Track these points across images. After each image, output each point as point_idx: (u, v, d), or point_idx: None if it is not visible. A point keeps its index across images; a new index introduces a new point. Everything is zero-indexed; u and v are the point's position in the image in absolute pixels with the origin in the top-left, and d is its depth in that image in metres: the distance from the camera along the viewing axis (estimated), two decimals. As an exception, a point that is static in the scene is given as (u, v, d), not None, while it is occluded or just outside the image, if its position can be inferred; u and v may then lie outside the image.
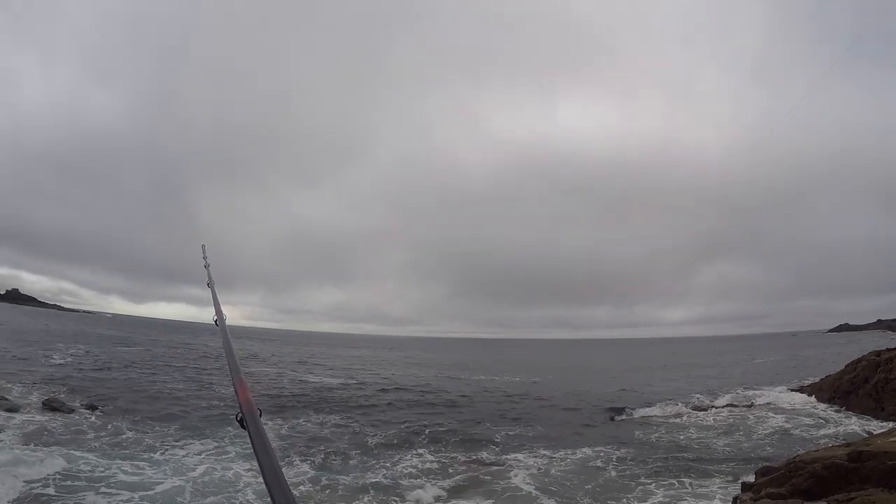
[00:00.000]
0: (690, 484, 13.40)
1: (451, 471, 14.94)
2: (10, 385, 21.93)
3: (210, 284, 4.56)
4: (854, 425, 19.63)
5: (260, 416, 2.00)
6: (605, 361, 75.34)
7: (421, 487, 13.12)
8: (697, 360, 69.33)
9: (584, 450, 17.24)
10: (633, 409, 25.17)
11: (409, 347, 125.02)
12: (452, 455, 16.49)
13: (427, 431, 19.72)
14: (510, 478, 14.22)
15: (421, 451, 16.90)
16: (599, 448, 17.43)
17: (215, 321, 3.51)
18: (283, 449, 16.09)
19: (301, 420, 20.97)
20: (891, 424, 18.17)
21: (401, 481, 13.71)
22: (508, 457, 16.43)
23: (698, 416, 23.29)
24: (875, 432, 17.25)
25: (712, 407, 25.31)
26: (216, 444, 15.77)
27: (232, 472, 13.11)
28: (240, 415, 2.02)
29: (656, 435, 19.64)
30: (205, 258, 5.47)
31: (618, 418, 23.66)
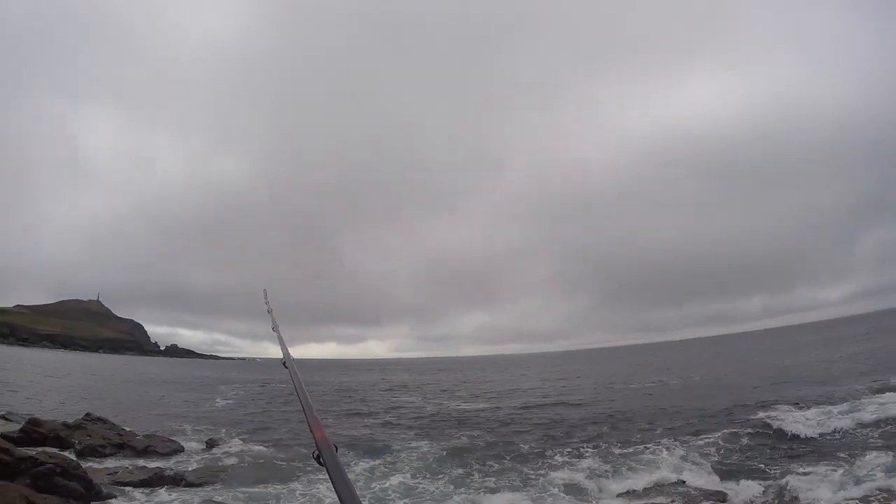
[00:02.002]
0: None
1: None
2: (182, 426, 23.08)
3: (275, 328, 4.72)
4: None
5: (336, 451, 2.15)
6: (759, 355, 67.96)
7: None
8: (863, 346, 60.97)
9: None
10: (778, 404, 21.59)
11: (556, 363, 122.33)
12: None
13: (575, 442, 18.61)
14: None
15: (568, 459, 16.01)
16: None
17: (283, 363, 3.59)
18: (427, 462, 16.30)
19: (446, 438, 20.49)
20: None
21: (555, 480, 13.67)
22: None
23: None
24: None
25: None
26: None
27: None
28: (316, 452, 2.18)
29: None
30: (267, 303, 5.66)
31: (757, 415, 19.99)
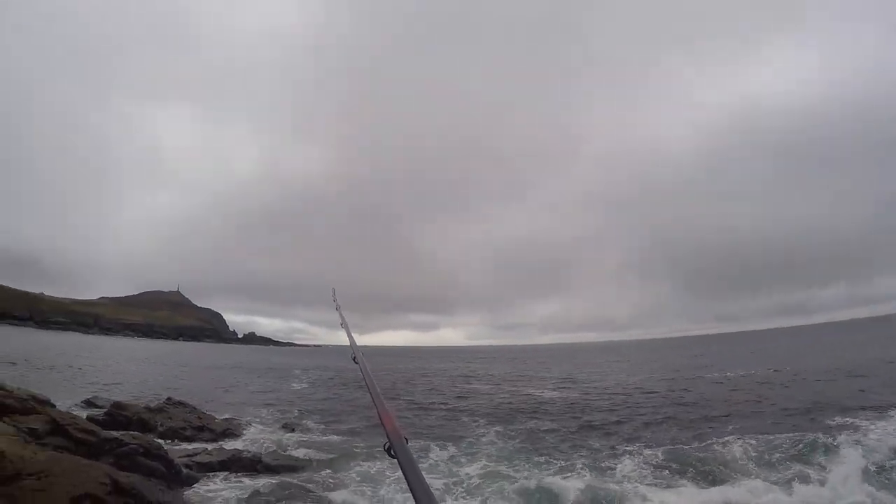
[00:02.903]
0: None
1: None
2: (259, 411, 23.68)
3: (344, 325, 4.84)
4: None
5: (407, 443, 2.18)
6: (834, 350, 63.39)
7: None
8: None
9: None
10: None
11: (632, 351, 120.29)
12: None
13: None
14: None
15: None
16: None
17: (353, 358, 3.58)
18: (500, 449, 16.30)
19: (519, 425, 20.30)
20: None
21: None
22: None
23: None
24: None
25: None
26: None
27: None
28: (388, 444, 2.21)
29: None
30: (335, 300, 5.78)
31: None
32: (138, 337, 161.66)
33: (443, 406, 26.19)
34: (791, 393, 25.54)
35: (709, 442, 15.75)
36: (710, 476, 12.57)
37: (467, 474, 13.34)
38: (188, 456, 13.44)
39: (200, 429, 17.72)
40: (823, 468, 12.36)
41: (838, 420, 17.36)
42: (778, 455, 13.64)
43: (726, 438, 15.81)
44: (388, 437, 2.24)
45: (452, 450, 16.01)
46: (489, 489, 12.08)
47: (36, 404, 11.33)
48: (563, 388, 35.60)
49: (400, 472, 2.00)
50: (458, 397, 30.39)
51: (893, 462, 12.24)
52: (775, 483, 11.54)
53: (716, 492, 11.35)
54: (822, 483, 11.39)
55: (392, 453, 2.17)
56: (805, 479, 11.67)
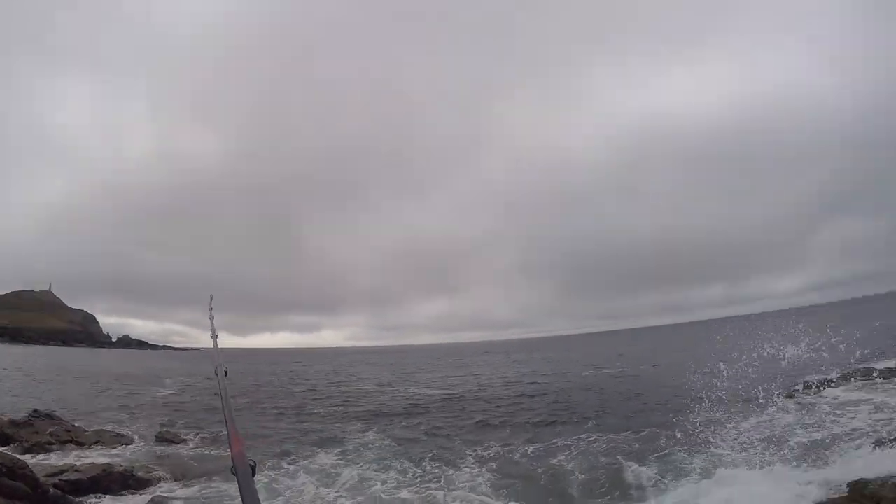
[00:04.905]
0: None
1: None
2: (128, 420, 23.10)
3: (213, 336, 4.68)
4: None
5: (254, 468, 2.27)
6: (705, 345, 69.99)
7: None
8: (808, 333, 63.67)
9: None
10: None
11: (515, 350, 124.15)
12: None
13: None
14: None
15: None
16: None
17: (216, 372, 3.54)
18: (378, 453, 16.57)
19: (398, 428, 21.11)
20: None
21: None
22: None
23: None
24: None
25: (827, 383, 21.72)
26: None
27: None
28: (233, 467, 2.24)
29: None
30: (210, 309, 5.55)
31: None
32: (5, 342, 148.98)
33: (320, 409, 26.49)
34: (659, 389, 28.50)
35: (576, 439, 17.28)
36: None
37: (341, 482, 13.42)
38: (55, 474, 12.98)
39: (69, 442, 17.25)
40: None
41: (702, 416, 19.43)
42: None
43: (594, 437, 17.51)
44: (233, 461, 2.27)
45: (327, 456, 16.18)
46: (360, 497, 12.25)
47: None
48: (445, 387, 36.97)
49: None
50: (336, 400, 30.82)
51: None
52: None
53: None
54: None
55: (236, 474, 2.22)
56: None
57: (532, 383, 36.53)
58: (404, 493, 12.39)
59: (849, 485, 9.33)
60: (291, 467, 14.93)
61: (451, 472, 14.25)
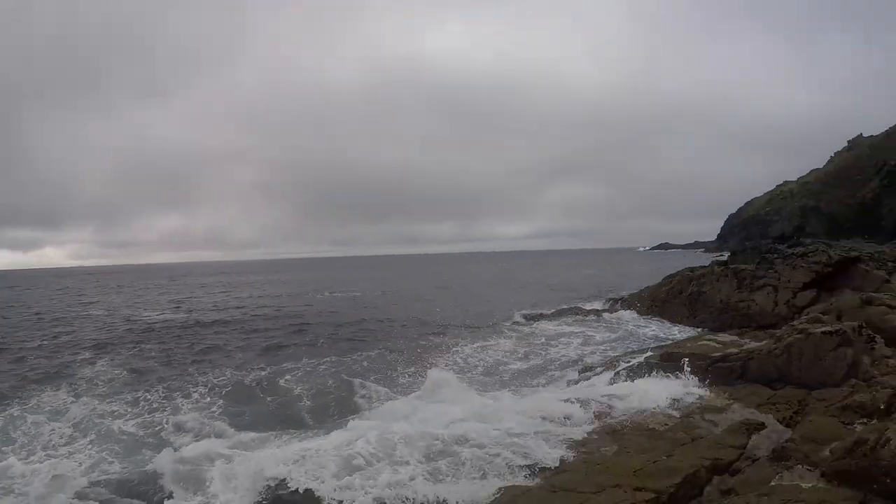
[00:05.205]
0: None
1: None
2: None
3: None
4: (668, 330, 22.00)
5: None
6: (437, 277, 78.00)
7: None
8: (528, 274, 74.33)
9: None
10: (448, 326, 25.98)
11: (247, 272, 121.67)
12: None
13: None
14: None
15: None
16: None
17: None
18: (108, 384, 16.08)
19: (127, 354, 20.60)
20: (700, 330, 20.87)
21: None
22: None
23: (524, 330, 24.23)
24: (685, 336, 19.78)
25: (542, 318, 26.72)
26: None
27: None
28: None
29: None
30: None
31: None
32: None
33: (43, 342, 23.97)
34: (390, 313, 31.13)
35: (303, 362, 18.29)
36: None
37: (69, 418, 12.66)
38: None
39: None
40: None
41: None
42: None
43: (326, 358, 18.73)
44: None
45: (53, 393, 14.99)
46: (93, 433, 11.75)
47: None
48: (179, 311, 36.10)
49: None
50: (62, 330, 28.00)
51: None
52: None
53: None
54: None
55: None
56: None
57: (268, 306, 37.29)
58: (131, 426, 12.26)
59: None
60: (11, 410, 13.46)
61: (181, 400, 14.31)
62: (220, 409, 13.59)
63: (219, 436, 11.37)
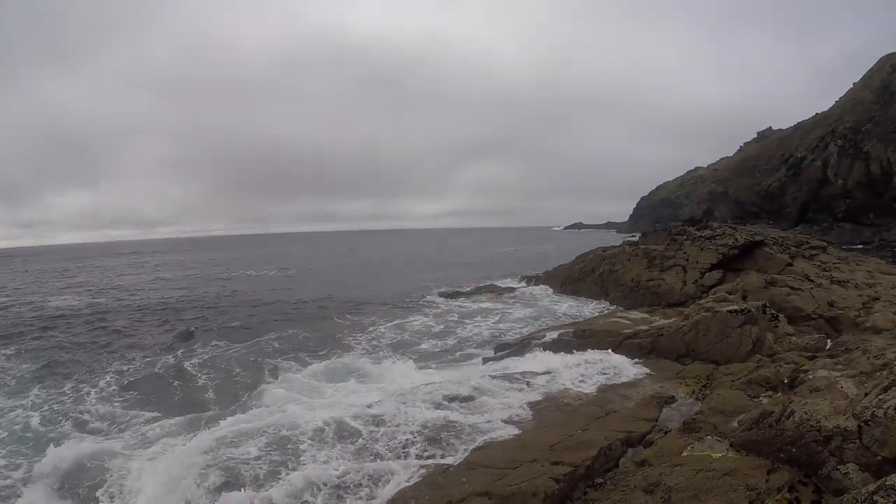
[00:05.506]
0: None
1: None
2: None
3: None
4: (581, 308, 22.50)
5: None
6: (354, 255, 77.61)
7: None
8: (445, 252, 74.88)
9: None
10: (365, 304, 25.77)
11: (160, 251, 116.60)
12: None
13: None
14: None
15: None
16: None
17: None
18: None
19: (31, 344, 19.37)
20: (612, 307, 21.49)
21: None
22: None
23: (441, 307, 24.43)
24: (597, 313, 20.34)
25: (459, 296, 27.04)
26: None
27: None
28: None
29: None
30: None
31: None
32: None
33: None
34: (305, 292, 30.35)
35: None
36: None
37: None
38: None
39: None
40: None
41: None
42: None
43: (239, 340, 18.25)
44: None
45: None
46: None
47: None
48: (88, 294, 34.11)
49: None
50: None
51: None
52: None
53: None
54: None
55: None
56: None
57: (182, 288, 35.84)
58: (35, 421, 11.47)
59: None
60: None
61: (87, 389, 13.58)
62: (128, 401, 12.90)
63: (122, 430, 10.89)
